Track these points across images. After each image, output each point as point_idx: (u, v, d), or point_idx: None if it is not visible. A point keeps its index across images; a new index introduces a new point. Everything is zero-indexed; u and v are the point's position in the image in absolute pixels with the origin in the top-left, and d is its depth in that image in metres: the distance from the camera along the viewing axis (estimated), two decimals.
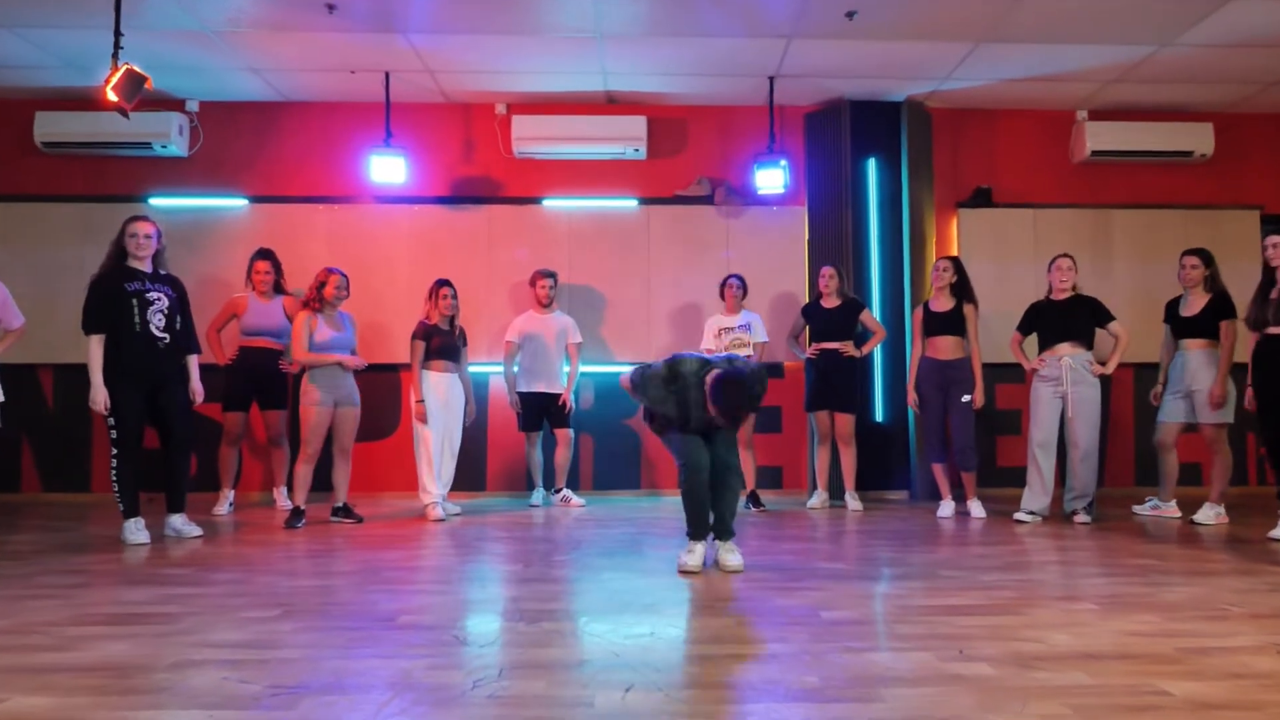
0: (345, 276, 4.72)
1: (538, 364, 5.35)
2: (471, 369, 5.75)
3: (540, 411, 5.38)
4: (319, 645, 2.26)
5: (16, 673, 2.05)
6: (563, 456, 5.39)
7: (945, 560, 3.51)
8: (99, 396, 3.92)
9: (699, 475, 3.28)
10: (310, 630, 2.41)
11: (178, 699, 1.86)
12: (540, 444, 5.47)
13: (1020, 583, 3.05)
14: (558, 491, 5.41)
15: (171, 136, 5.65)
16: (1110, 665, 2.08)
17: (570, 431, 5.40)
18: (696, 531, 3.34)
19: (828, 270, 5.26)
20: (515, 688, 1.93)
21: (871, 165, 5.84)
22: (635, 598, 2.83)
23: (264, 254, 5.18)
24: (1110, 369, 4.57)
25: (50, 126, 5.64)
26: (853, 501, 5.17)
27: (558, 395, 5.35)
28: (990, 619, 2.53)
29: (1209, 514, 4.47)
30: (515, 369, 5.38)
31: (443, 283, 4.95)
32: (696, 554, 3.30)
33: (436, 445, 4.85)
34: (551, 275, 5.43)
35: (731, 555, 3.32)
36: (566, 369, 5.44)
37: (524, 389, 5.35)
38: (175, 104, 5.81)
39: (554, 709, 1.81)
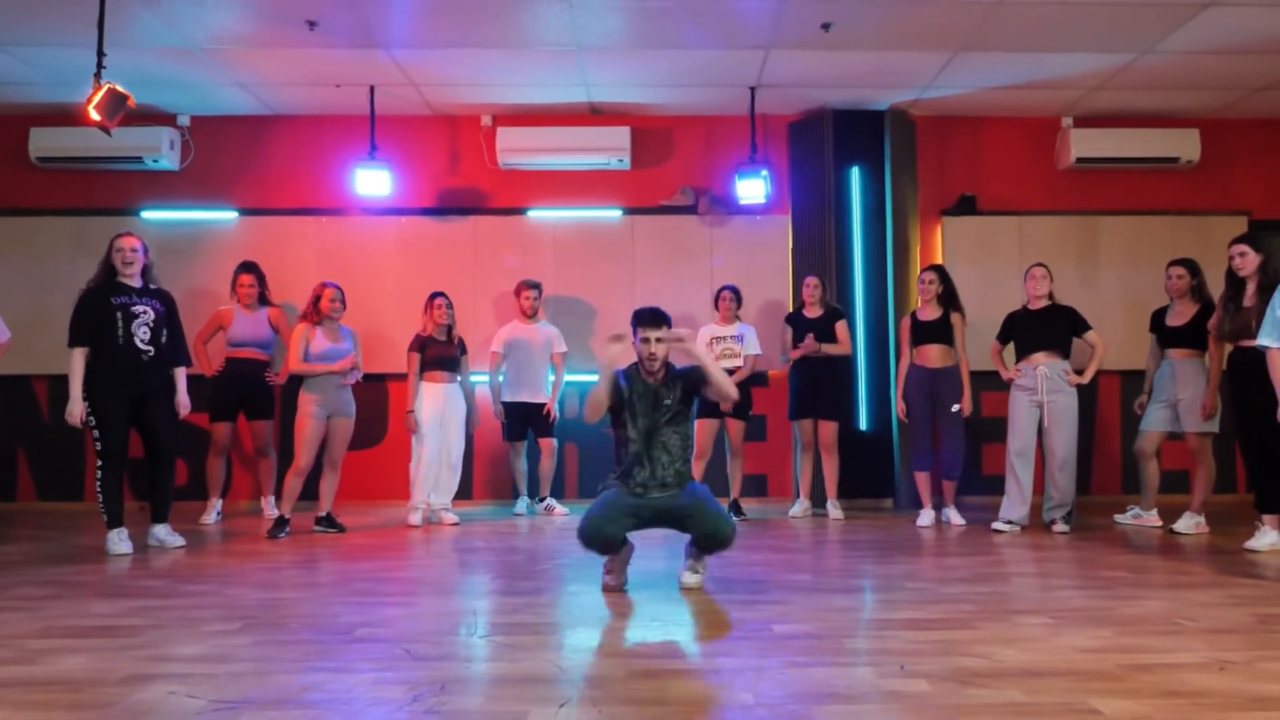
0: (340, 290, 4.79)
1: (522, 374, 5.39)
2: None
3: (525, 421, 5.42)
4: (271, 659, 2.30)
5: None
6: (547, 466, 5.43)
7: (912, 572, 3.52)
8: (75, 409, 4.00)
9: (590, 543, 3.10)
10: (266, 644, 2.45)
11: (121, 714, 1.90)
12: (525, 453, 5.50)
13: (982, 595, 3.05)
14: (542, 500, 5.44)
15: (163, 150, 5.74)
16: (1049, 682, 2.08)
17: (554, 441, 5.44)
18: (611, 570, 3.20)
19: (812, 280, 5.28)
20: (453, 702, 1.96)
21: (855, 173, 5.86)
22: (594, 611, 2.86)
23: (247, 267, 5.26)
24: (1087, 378, 4.57)
25: (44, 142, 5.74)
26: (834, 510, 5.18)
27: (542, 405, 5.39)
28: (941, 634, 2.54)
29: (1189, 523, 4.46)
30: (500, 378, 5.43)
31: (436, 294, 5.03)
32: (615, 573, 3.17)
33: (431, 455, 4.90)
34: (536, 286, 5.48)
35: (691, 574, 3.18)
36: (551, 378, 5.48)
37: (509, 398, 5.39)
38: (166, 119, 5.90)
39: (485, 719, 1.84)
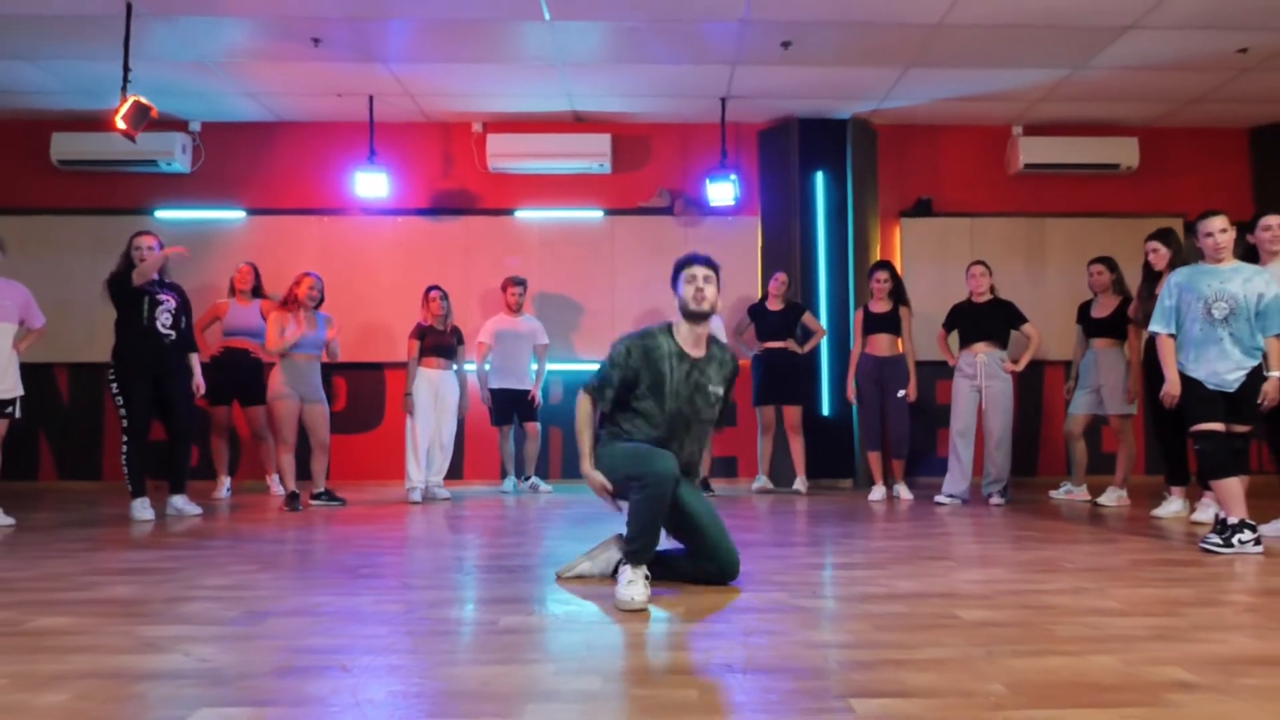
0: (319, 280, 5.13)
1: (508, 363, 5.82)
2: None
3: (511, 406, 5.85)
4: (288, 587, 2.74)
5: (39, 604, 2.53)
6: (531, 448, 5.87)
7: (850, 532, 3.97)
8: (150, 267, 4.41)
9: (665, 485, 2.52)
10: (282, 578, 2.89)
11: (169, 620, 2.35)
12: (511, 436, 5.94)
13: (903, 547, 3.50)
14: (527, 479, 5.88)
15: (176, 154, 6.17)
16: (930, 601, 2.53)
17: (538, 425, 5.88)
18: (646, 550, 2.53)
19: (782, 275, 5.74)
20: (438, 613, 2.41)
21: (820, 178, 6.31)
22: (567, 558, 3.30)
23: (248, 262, 5.72)
24: (1021, 366, 5.02)
25: (65, 146, 6.17)
26: (800, 485, 5.64)
27: (527, 391, 5.83)
28: (857, 572, 2.99)
29: (1111, 496, 4.91)
30: (486, 367, 5.86)
31: (431, 288, 5.46)
32: (640, 584, 2.46)
33: (424, 436, 5.34)
34: (521, 282, 5.92)
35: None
36: (534, 367, 5.92)
37: (496, 386, 5.82)
38: (179, 124, 6.33)
39: (465, 625, 2.29)
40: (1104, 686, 1.76)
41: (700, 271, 2.73)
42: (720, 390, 2.79)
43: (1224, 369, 3.43)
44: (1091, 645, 2.05)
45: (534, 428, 5.86)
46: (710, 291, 2.71)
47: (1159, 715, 1.60)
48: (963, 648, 2.04)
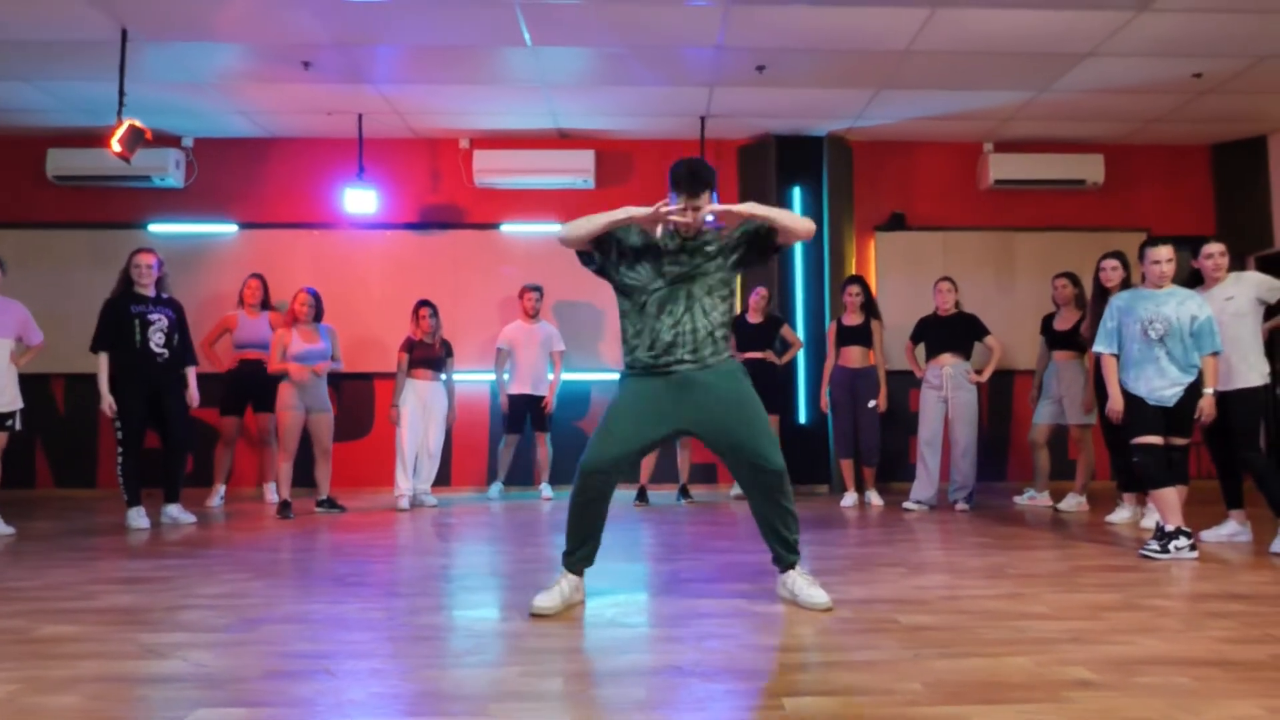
0: (314, 295, 5.34)
1: (525, 369, 5.98)
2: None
3: (525, 412, 6.01)
4: (280, 595, 2.93)
5: (46, 613, 2.71)
6: (545, 455, 6.03)
7: (818, 539, 4.17)
8: (106, 404, 4.62)
9: (594, 478, 2.61)
10: (275, 586, 3.08)
11: (169, 627, 2.53)
12: (515, 445, 6.07)
13: (862, 554, 3.71)
14: (538, 485, 6.03)
15: (169, 170, 6.33)
16: (873, 607, 2.73)
17: (547, 435, 6.04)
18: (575, 552, 2.68)
19: (763, 290, 5.94)
20: (420, 619, 2.60)
21: (797, 193, 6.51)
22: (545, 565, 3.49)
23: (255, 275, 5.92)
24: (985, 377, 5.24)
25: (61, 162, 6.32)
26: None
27: (542, 398, 6.00)
28: (818, 579, 3.17)
29: (1071, 502, 5.13)
30: (506, 376, 6.01)
31: (421, 304, 5.65)
32: (556, 592, 2.61)
33: (411, 445, 5.52)
34: (537, 289, 6.10)
35: (812, 589, 2.65)
36: (549, 376, 6.05)
37: (514, 391, 5.98)
38: (172, 140, 6.49)
39: (442, 631, 2.48)
40: (1011, 685, 1.96)
41: (691, 205, 2.55)
42: (713, 247, 2.63)
43: (1162, 385, 3.64)
44: (1011, 647, 2.26)
45: (543, 437, 6.02)
46: (698, 219, 2.55)
47: (1054, 710, 1.80)
48: (894, 650, 2.24)
